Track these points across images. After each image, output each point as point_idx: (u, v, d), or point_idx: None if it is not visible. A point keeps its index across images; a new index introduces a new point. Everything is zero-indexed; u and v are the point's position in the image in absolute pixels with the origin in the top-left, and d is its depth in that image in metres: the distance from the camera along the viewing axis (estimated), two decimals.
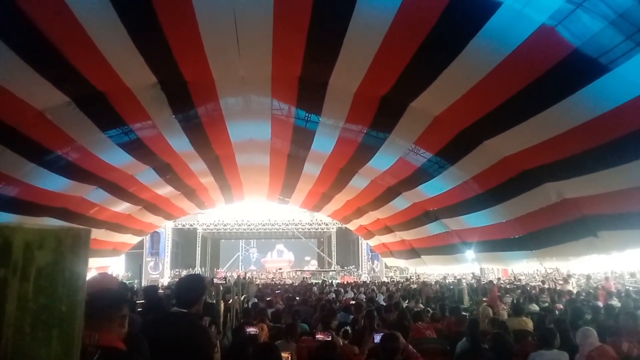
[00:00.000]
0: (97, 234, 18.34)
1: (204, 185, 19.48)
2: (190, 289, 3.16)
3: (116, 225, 19.74)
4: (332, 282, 23.19)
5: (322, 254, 37.83)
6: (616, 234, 11.02)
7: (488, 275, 21.38)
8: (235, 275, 23.74)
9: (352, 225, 27.32)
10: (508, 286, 16.09)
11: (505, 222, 14.06)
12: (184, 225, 32.41)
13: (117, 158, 12.94)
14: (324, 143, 13.61)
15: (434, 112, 10.51)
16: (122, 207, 18.13)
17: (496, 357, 4.81)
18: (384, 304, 10.26)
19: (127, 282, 19.04)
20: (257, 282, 22.03)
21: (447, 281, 20.42)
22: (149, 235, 28.64)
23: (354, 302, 9.81)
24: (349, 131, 12.55)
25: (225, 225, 33.28)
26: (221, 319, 6.73)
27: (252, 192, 22.58)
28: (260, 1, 7.41)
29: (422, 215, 18.15)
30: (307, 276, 30.38)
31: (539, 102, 8.42)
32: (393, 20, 7.33)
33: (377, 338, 4.59)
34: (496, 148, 10.92)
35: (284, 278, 30.29)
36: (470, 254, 17.87)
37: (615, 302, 9.30)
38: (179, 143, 13.14)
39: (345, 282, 22.90)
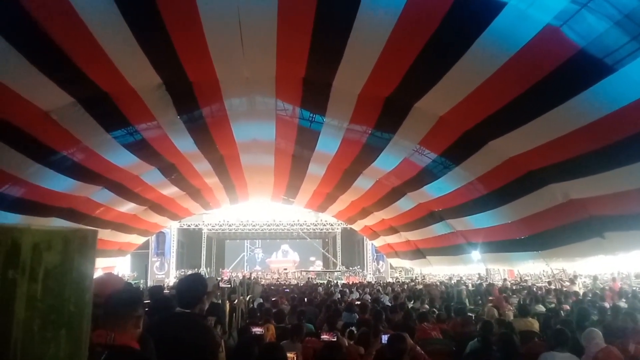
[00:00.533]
0: (102, 234, 18.41)
1: (208, 186, 19.53)
2: (192, 289, 3.17)
3: (122, 225, 19.82)
4: (337, 282, 23.18)
5: (327, 254, 37.83)
6: (623, 235, 10.96)
7: (494, 276, 21.31)
8: (240, 276, 23.78)
9: (357, 226, 27.29)
10: (514, 287, 16.03)
11: (511, 222, 14.01)
12: (189, 226, 32.46)
13: (123, 158, 13.00)
14: (328, 143, 13.61)
15: (438, 112, 10.49)
16: (127, 207, 18.20)
17: (504, 358, 4.79)
18: (389, 304, 10.25)
19: (133, 282, 19.10)
20: (262, 282, 22.04)
21: (452, 282, 20.37)
22: (154, 235, 28.72)
23: (359, 302, 9.80)
24: (353, 132, 12.54)
25: (230, 225, 33.31)
26: (227, 319, 6.74)
27: (256, 192, 22.61)
28: (265, 2, 7.42)
29: (427, 216, 18.11)
30: (313, 276, 30.38)
31: (544, 103, 8.39)
32: (397, 21, 7.32)
33: (385, 339, 4.59)
34: (501, 148, 10.89)
35: (289, 278, 30.30)
36: (476, 254, 17.82)
37: (623, 303, 9.25)
38: (184, 143, 13.18)
39: (350, 283, 22.89)
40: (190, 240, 35.35)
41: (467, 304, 12.06)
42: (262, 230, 34.35)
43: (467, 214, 15.55)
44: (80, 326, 0.73)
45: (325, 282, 22.96)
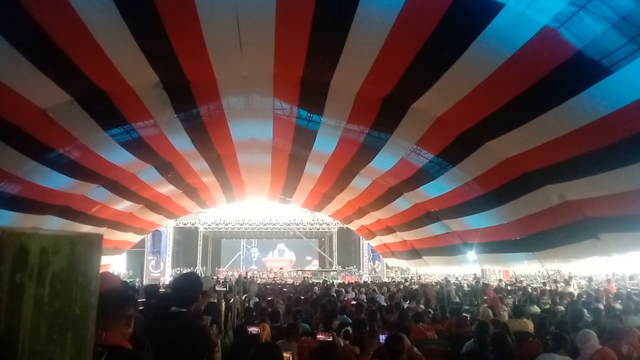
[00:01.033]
0: (98, 232, 18.35)
1: (205, 185, 19.52)
2: (187, 288, 3.16)
3: (118, 223, 19.79)
4: (333, 282, 23.22)
5: (323, 253, 37.87)
6: (618, 237, 11.02)
7: (489, 277, 21.38)
8: (236, 275, 23.79)
9: (354, 226, 27.34)
10: (509, 287, 16.09)
11: (507, 223, 14.06)
12: (185, 224, 32.46)
13: (119, 157, 12.98)
14: (325, 143, 13.62)
15: (436, 113, 10.52)
16: (123, 205, 18.18)
17: (499, 357, 4.82)
18: (385, 304, 10.28)
19: (129, 281, 19.08)
20: (258, 282, 22.06)
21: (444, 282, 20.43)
22: (150, 233, 28.69)
23: (354, 302, 9.83)
24: (350, 131, 12.56)
25: (226, 224, 33.33)
26: (222, 318, 6.75)
27: (253, 191, 22.60)
28: (263, 1, 7.43)
29: (423, 216, 18.15)
30: (308, 276, 30.42)
31: (541, 104, 8.43)
32: (395, 21, 7.34)
33: (383, 339, 4.61)
34: (498, 149, 10.93)
35: (285, 278, 30.33)
36: (471, 255, 17.87)
37: (618, 305, 9.30)
38: (181, 142, 13.17)
39: (346, 282, 22.93)
40: (186, 238, 35.35)
41: (463, 304, 12.10)
42: (258, 229, 34.39)
43: (463, 214, 15.60)
44: (85, 329, 0.74)
45: (321, 281, 22.99)
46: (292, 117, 12.39)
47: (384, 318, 7.84)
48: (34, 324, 0.71)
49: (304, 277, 28.56)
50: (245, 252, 40.22)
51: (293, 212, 31.09)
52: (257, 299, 10.87)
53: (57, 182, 12.54)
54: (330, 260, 35.23)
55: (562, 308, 9.55)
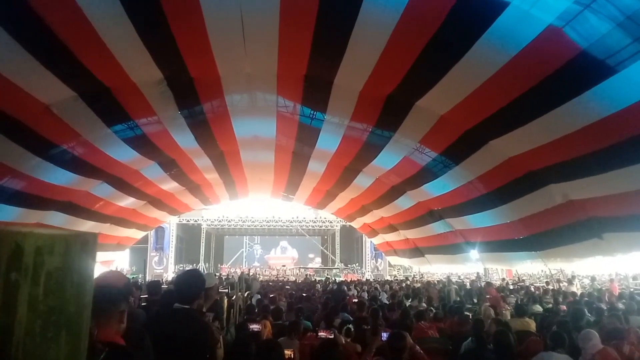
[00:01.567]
0: (101, 228, 18.45)
1: (208, 182, 19.55)
2: (190, 285, 3.18)
3: (121, 219, 19.84)
4: (335, 279, 23.25)
5: (326, 251, 37.92)
6: (621, 236, 10.97)
7: (492, 276, 21.35)
8: (238, 272, 23.82)
9: (356, 223, 27.33)
10: (512, 287, 16.07)
11: (510, 222, 14.02)
12: (188, 221, 32.54)
13: (123, 153, 13.02)
14: (328, 141, 13.62)
15: (439, 111, 10.49)
16: (127, 201, 18.23)
17: (499, 356, 4.82)
18: (387, 302, 10.28)
19: (131, 277, 19.12)
20: (260, 279, 22.10)
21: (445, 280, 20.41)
22: (153, 230, 28.76)
23: (356, 300, 9.83)
24: (354, 129, 12.55)
25: (229, 221, 33.38)
26: (225, 315, 6.76)
27: (256, 188, 22.62)
28: None
29: (426, 215, 18.13)
30: (311, 273, 30.46)
31: (546, 103, 8.39)
32: (399, 19, 7.31)
33: (385, 336, 4.61)
34: (501, 148, 10.90)
35: (288, 275, 30.37)
36: (474, 254, 17.84)
37: (621, 305, 9.27)
38: (184, 139, 13.19)
39: (349, 280, 22.97)
40: (189, 235, 35.43)
41: (465, 303, 12.08)
42: (261, 226, 34.45)
43: (466, 213, 15.56)
44: (80, 327, 0.75)
45: (323, 279, 23.01)
46: (296, 115, 12.39)
47: (385, 316, 7.84)
48: (29, 323, 0.71)
49: (307, 275, 28.60)
50: (248, 249, 40.33)
51: (296, 210, 31.12)
52: (259, 296, 10.88)
53: (60, 178, 12.58)
54: (333, 258, 35.25)
55: (565, 307, 9.53)
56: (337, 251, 34.45)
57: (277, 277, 27.83)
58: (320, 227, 34.59)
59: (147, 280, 17.36)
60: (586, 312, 7.63)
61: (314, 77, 10.16)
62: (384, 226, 23.51)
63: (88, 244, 0.77)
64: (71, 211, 15.22)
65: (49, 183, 12.41)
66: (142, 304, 6.58)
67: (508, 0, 6.47)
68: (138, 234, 24.97)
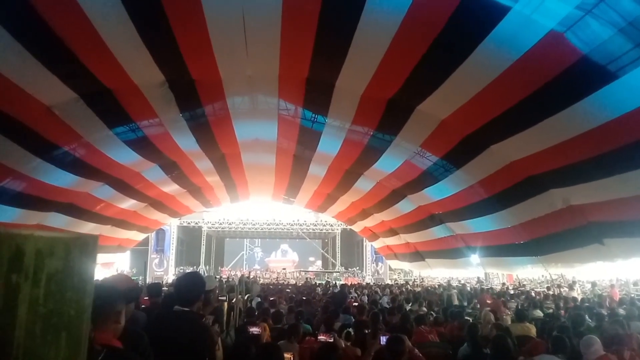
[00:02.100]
0: (102, 230, 18.46)
1: (209, 184, 19.56)
2: (190, 287, 3.18)
3: (122, 221, 19.86)
4: (335, 283, 23.21)
5: (326, 254, 37.87)
6: (622, 242, 10.97)
7: (493, 280, 21.30)
8: (239, 274, 23.78)
9: (357, 227, 27.31)
10: (512, 291, 16.03)
11: (511, 227, 14.02)
12: (189, 223, 32.52)
13: (124, 155, 13.02)
14: (330, 144, 13.62)
15: (440, 115, 10.50)
16: (128, 203, 18.24)
17: None
18: (387, 306, 10.26)
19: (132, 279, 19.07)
20: (260, 282, 22.07)
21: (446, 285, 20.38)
22: (154, 232, 28.77)
23: (356, 303, 9.81)
24: (355, 133, 12.56)
25: (230, 224, 33.37)
26: (224, 318, 6.75)
27: (257, 191, 22.64)
28: (269, 1, 7.43)
29: (427, 219, 18.12)
30: (311, 277, 30.41)
31: (547, 108, 8.40)
32: (401, 23, 7.32)
33: (384, 340, 4.60)
34: (502, 153, 10.89)
35: (288, 278, 30.32)
36: (475, 258, 17.82)
37: (622, 311, 9.25)
38: (186, 141, 13.20)
39: (349, 284, 22.93)
40: (189, 237, 35.41)
41: (465, 308, 12.05)
42: (261, 229, 34.41)
43: (467, 217, 15.56)
44: (80, 329, 0.75)
45: (324, 282, 22.98)
46: (297, 118, 12.39)
47: (385, 320, 7.82)
48: (29, 324, 0.71)
49: (307, 278, 28.56)
50: (249, 252, 40.26)
51: (296, 213, 31.10)
52: (259, 299, 10.87)
53: (61, 179, 12.59)
54: (333, 261, 35.20)
55: (564, 312, 9.51)
56: (338, 254, 34.40)
57: (277, 280, 27.78)
58: (321, 230, 34.56)
59: (147, 282, 17.34)
60: (586, 317, 7.61)
61: (315, 80, 10.17)
62: (384, 230, 23.50)
63: (88, 246, 0.77)
64: (72, 213, 15.24)
65: (50, 184, 12.42)
66: (142, 306, 6.57)
67: (510, 5, 6.48)
68: (139, 236, 24.98)
